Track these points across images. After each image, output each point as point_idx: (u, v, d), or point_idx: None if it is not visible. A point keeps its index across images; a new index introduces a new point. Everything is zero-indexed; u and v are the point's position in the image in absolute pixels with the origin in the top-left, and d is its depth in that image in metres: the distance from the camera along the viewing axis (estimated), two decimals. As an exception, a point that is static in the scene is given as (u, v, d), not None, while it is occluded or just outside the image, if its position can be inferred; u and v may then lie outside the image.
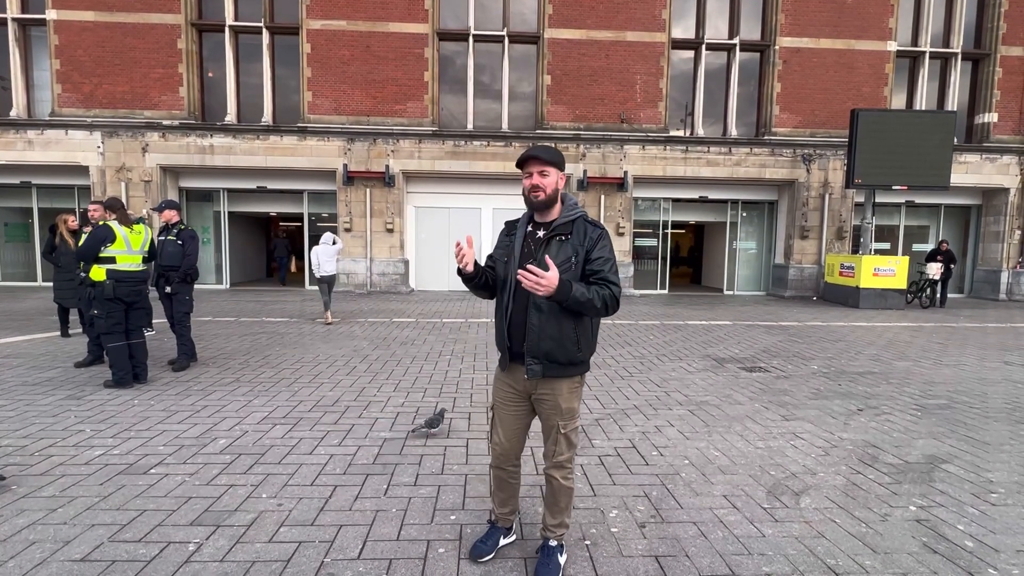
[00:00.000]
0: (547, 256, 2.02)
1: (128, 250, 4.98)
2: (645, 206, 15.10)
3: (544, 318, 2.10)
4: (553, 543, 2.32)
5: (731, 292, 15.37)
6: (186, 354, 5.71)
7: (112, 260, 4.88)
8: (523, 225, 2.26)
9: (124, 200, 12.72)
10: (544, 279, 1.90)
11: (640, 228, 15.28)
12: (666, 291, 15.23)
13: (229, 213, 14.44)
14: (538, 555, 2.35)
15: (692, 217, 15.77)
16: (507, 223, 2.37)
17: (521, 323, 2.15)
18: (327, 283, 8.72)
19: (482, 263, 2.30)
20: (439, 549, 2.46)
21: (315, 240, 9.51)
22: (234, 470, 3.23)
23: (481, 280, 2.23)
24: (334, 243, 8.67)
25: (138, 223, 5.23)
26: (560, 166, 2.16)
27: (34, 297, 11.57)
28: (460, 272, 2.16)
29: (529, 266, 1.94)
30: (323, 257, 8.56)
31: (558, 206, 2.20)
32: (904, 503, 2.97)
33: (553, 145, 13.32)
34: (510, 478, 2.40)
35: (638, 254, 15.41)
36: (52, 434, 3.75)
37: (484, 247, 14.16)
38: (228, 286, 14.59)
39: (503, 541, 2.48)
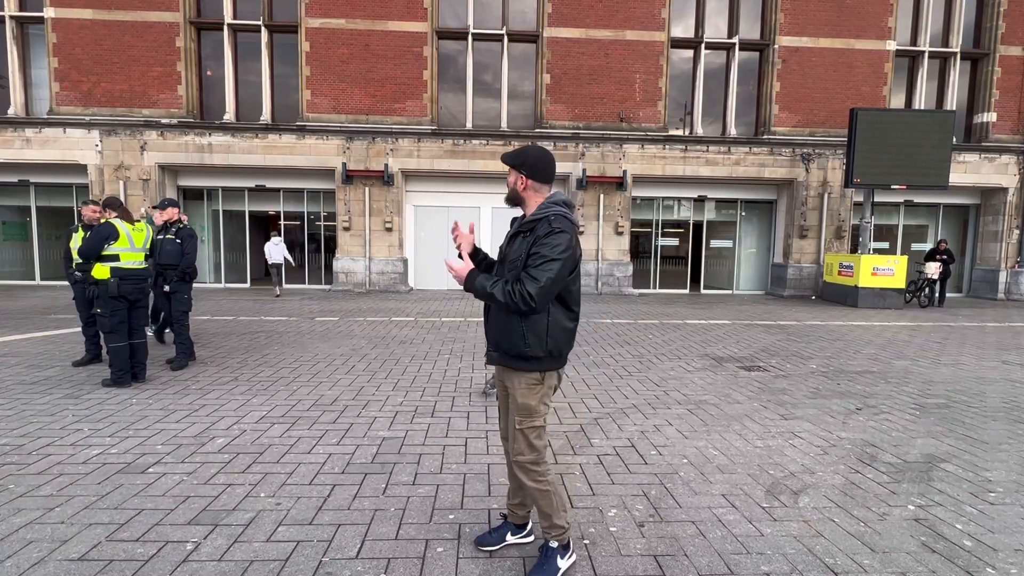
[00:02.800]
0: (465, 251, 2.24)
1: (131, 247, 4.97)
2: (645, 204, 15.11)
3: (497, 307, 2.18)
4: (554, 544, 2.28)
5: (714, 291, 15.38)
6: (184, 353, 5.69)
7: (116, 258, 4.87)
8: (516, 221, 2.35)
9: (123, 199, 12.71)
10: (453, 270, 2.14)
11: (639, 227, 15.29)
12: (660, 290, 15.25)
13: (227, 212, 14.42)
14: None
15: (689, 216, 15.77)
16: (513, 219, 2.42)
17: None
18: (276, 268, 12.69)
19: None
20: (438, 548, 2.46)
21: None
22: (232, 469, 3.23)
23: (482, 268, 2.33)
24: (278, 243, 12.72)
25: (139, 221, 5.23)
26: (516, 167, 2.22)
27: (32, 296, 11.55)
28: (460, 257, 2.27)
29: (447, 259, 2.17)
30: (272, 250, 12.60)
31: (532, 206, 2.24)
32: (902, 502, 2.97)
33: (551, 144, 13.40)
34: None
35: (636, 253, 15.42)
36: (50, 433, 3.74)
37: (482, 245, 14.08)
38: (226, 285, 14.57)
39: (511, 538, 2.47)
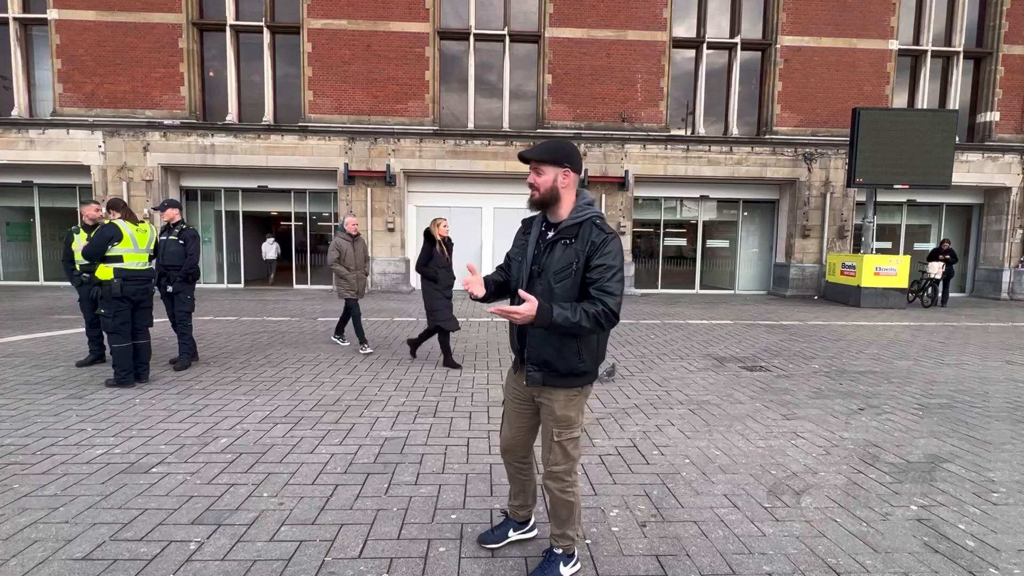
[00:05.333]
0: (521, 291, 1.95)
1: (135, 248, 4.98)
2: (647, 204, 15.10)
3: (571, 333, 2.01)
4: (558, 551, 2.25)
5: (716, 291, 15.35)
6: (187, 353, 5.71)
7: (119, 259, 4.88)
8: (537, 224, 2.19)
9: (125, 200, 12.75)
10: (517, 314, 1.85)
11: (641, 227, 15.29)
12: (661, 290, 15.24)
13: (230, 212, 14.46)
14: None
15: (691, 216, 15.77)
16: (524, 221, 2.29)
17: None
18: (269, 263, 16.35)
19: (493, 267, 2.31)
20: (440, 548, 2.46)
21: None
22: (235, 469, 3.24)
23: (492, 294, 2.23)
24: (272, 242, 16.33)
25: (143, 222, 5.24)
26: (559, 163, 2.03)
27: (36, 296, 11.59)
28: (474, 297, 2.17)
29: (499, 306, 1.89)
30: (266, 248, 16.24)
31: (568, 206, 2.07)
32: (905, 502, 2.97)
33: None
34: (518, 473, 2.39)
35: (638, 253, 15.42)
36: (54, 433, 3.76)
37: (484, 246, 14.19)
38: (229, 285, 14.60)
39: (514, 535, 2.47)
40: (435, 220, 5.94)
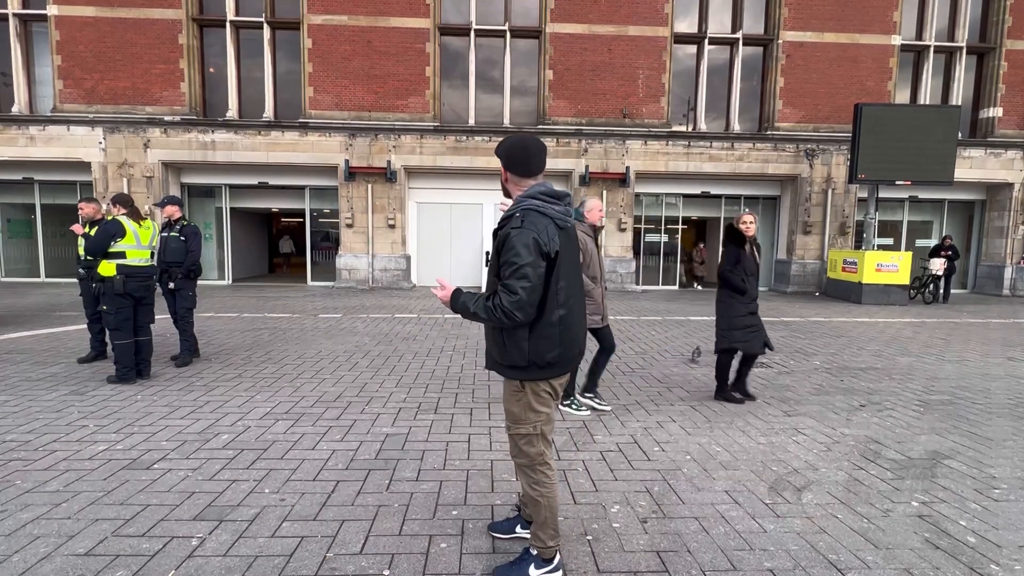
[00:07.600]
0: (438, 278, 2.24)
1: (138, 245, 4.97)
2: (649, 202, 15.07)
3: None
4: (533, 551, 2.19)
5: (712, 288, 15.31)
6: (189, 350, 5.72)
7: (122, 255, 4.87)
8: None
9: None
10: (437, 295, 2.12)
11: (642, 224, 15.26)
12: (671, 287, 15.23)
13: (231, 209, 14.45)
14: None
15: (692, 213, 15.74)
16: None
17: None
18: (284, 256, 19.62)
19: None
20: (441, 544, 2.47)
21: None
22: (237, 465, 3.24)
23: None
24: (287, 238, 19.57)
25: (145, 219, 5.23)
26: (501, 158, 2.11)
27: (37, 293, 11.60)
28: None
29: (433, 287, 2.22)
30: (282, 244, 19.47)
31: (514, 197, 2.13)
32: (906, 499, 2.97)
33: (554, 141, 13.36)
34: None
35: (639, 250, 15.39)
36: (55, 429, 3.76)
37: (486, 243, 14.16)
38: (230, 282, 14.62)
39: (520, 531, 2.48)
40: (740, 216, 4.60)
